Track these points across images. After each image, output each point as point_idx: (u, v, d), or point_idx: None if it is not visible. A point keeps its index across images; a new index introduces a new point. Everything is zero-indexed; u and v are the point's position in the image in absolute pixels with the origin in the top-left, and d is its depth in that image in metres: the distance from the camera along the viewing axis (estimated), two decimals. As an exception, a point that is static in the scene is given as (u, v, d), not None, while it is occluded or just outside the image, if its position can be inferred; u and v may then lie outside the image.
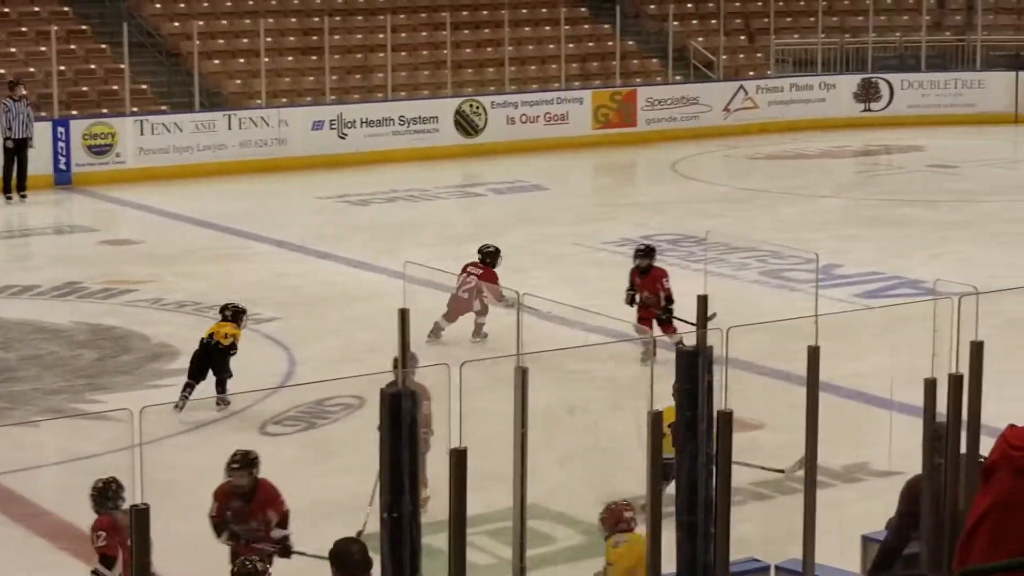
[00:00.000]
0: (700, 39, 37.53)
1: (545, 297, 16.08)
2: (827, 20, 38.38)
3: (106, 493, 10.27)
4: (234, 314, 16.29)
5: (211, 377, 15.57)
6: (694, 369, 8.91)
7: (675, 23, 36.85)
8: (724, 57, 37.13)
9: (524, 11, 37.30)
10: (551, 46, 36.13)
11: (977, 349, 8.74)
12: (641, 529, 9.20)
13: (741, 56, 38.19)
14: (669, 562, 8.83)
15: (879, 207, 27.53)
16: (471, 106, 33.58)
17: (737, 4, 38.88)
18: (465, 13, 36.68)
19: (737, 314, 15.14)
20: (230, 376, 15.67)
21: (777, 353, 14.01)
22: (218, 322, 16.28)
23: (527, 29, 36.92)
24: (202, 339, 15.92)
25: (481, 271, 18.26)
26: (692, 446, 8.79)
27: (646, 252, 17.87)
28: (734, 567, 8.80)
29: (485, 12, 36.90)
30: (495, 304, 17.90)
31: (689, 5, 38.88)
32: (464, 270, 18.24)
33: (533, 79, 35.69)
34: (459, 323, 17.82)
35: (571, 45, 36.21)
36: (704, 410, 8.85)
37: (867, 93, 37.16)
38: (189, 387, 15.49)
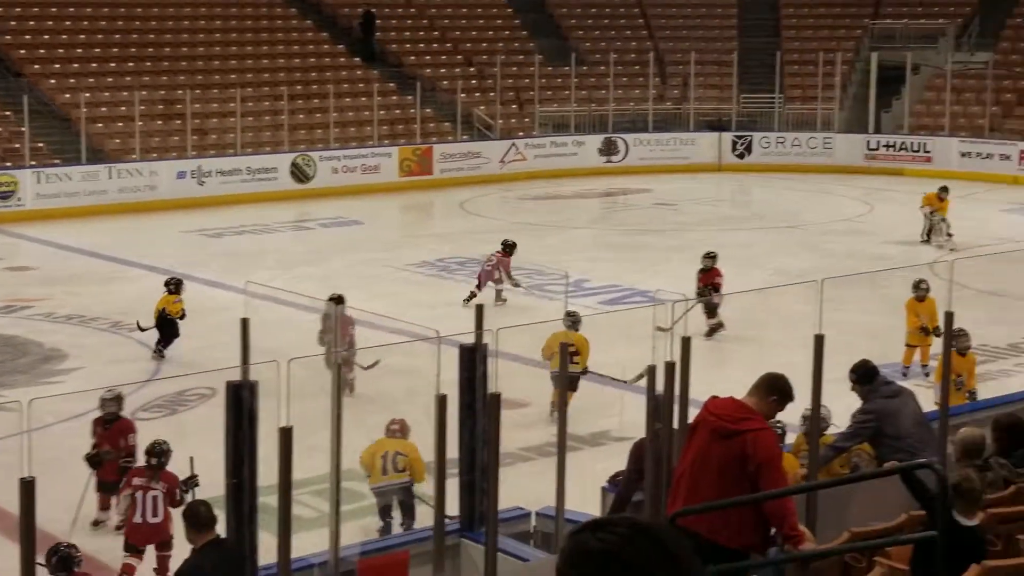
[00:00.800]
0: (482, 107, 37.64)
1: (360, 308, 16.00)
2: (578, 93, 38.71)
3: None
4: (176, 285, 17.33)
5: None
6: (472, 362, 8.90)
7: (462, 95, 36.89)
8: (500, 121, 37.28)
9: (345, 86, 37.07)
10: (366, 113, 35.97)
11: (686, 343, 8.85)
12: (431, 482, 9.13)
13: (513, 120, 38.36)
14: (453, 510, 8.81)
15: (618, 235, 27.84)
16: (303, 159, 33.26)
17: (510, 81, 39.05)
18: (300, 87, 36.36)
19: (512, 318, 15.24)
20: (177, 336, 16.90)
21: (539, 348, 14.11)
22: (164, 296, 17.14)
23: (348, 100, 36.70)
24: (159, 312, 16.99)
25: (500, 254, 20.55)
26: (471, 421, 8.78)
27: (709, 255, 19.25)
28: (503, 514, 8.80)
29: (315, 87, 36.61)
30: (506, 282, 20.27)
31: (473, 82, 38.99)
32: (490, 257, 20.54)
33: (352, 138, 35.47)
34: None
35: (382, 112, 36.08)
36: (481, 393, 8.85)
37: (608, 148, 37.57)
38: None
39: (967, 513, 6.93)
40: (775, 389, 7.57)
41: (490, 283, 20.31)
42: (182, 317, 17.11)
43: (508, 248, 20.84)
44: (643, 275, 22.25)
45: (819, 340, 9.21)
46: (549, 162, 36.61)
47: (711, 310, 17.80)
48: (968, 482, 7.17)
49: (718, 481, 7.17)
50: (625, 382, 13.39)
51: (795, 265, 22.72)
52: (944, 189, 26.42)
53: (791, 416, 9.47)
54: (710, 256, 19.28)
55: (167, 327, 17.16)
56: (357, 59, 38.53)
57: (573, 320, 14.86)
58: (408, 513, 11.45)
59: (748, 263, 23.30)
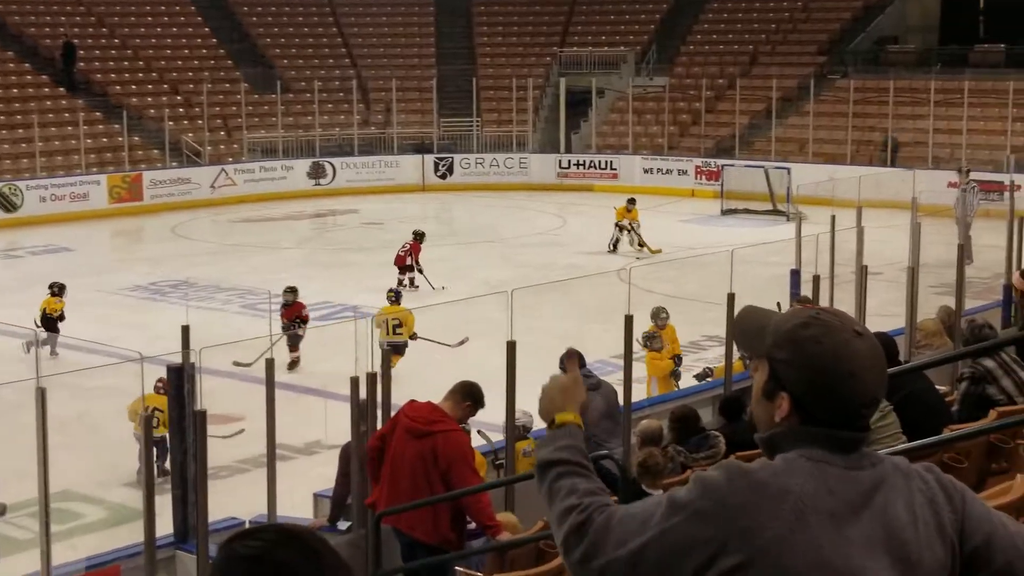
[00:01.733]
0: (190, 135, 36.92)
1: (73, 336, 15.48)
2: (285, 119, 38.45)
3: None
4: (60, 289, 18.75)
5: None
6: (180, 380, 8.81)
7: (170, 123, 36.12)
8: (209, 148, 36.67)
9: (51, 115, 35.79)
10: (73, 141, 34.82)
11: (387, 354, 8.98)
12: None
13: (222, 146, 37.79)
14: (165, 527, 8.68)
15: (328, 254, 27.78)
16: (10, 188, 31.94)
17: (218, 108, 38.48)
18: (3, 117, 34.93)
19: (222, 337, 15.04)
20: (58, 333, 17.97)
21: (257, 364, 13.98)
22: (46, 299, 18.59)
23: (54, 129, 35.43)
24: (41, 312, 18.32)
25: (412, 243, 23.19)
26: (180, 438, 8.68)
27: (290, 289, 18.93)
28: (216, 525, 8.72)
29: (19, 117, 35.19)
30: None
31: (181, 109, 38.23)
32: (404, 244, 23.19)
33: (60, 167, 34.27)
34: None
35: (89, 140, 34.98)
36: (190, 410, 8.75)
37: (316, 172, 37.44)
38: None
39: (653, 486, 7.36)
40: (468, 395, 7.82)
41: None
42: (61, 317, 18.53)
43: (418, 236, 23.37)
44: (353, 291, 22.29)
45: (511, 346, 9.49)
46: (259, 186, 36.20)
47: (294, 343, 17.39)
48: (652, 458, 7.61)
49: (412, 478, 7.34)
50: (451, 346, 15.63)
51: (497, 276, 23.18)
52: (631, 200, 27.61)
53: (494, 417, 9.71)
54: (291, 290, 18.82)
55: (50, 325, 18.43)
56: (61, 89, 37.23)
57: (396, 295, 18.12)
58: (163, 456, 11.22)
59: (454, 275, 23.64)
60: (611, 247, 26.92)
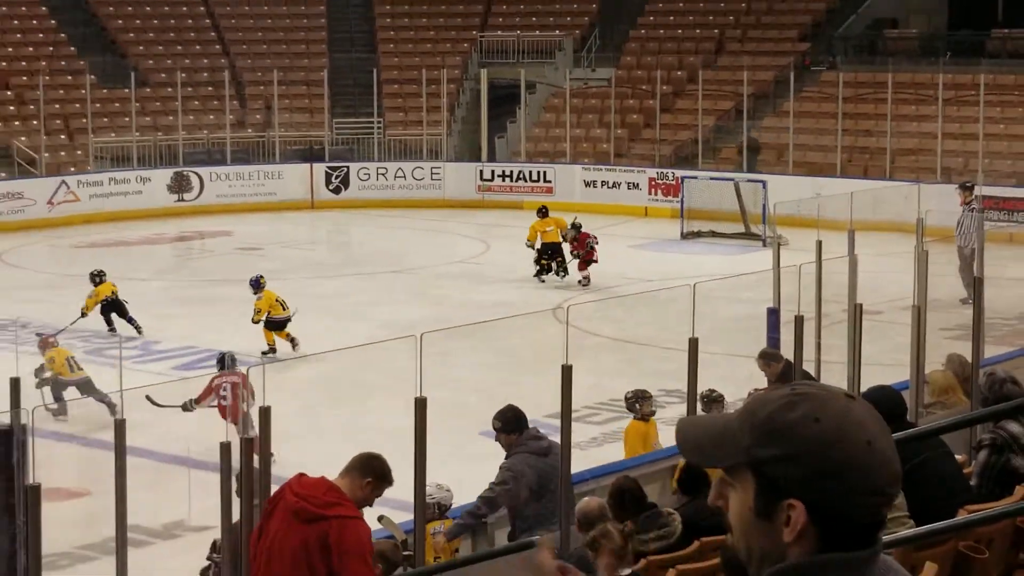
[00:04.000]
0: (23, 138, 36.62)
1: None
2: (140, 120, 38.23)
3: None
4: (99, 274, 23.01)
5: None
6: (8, 447, 8.67)
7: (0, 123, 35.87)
8: (46, 155, 36.37)
9: None
10: None
11: (266, 413, 8.89)
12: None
13: (63, 153, 37.52)
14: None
15: (194, 288, 27.63)
16: None
17: (57, 106, 38.19)
18: None
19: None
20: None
21: (97, 425, 13.83)
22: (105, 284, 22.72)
23: None
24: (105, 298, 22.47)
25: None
26: (6, 520, 8.53)
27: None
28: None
29: None
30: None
31: (12, 108, 37.96)
32: None
33: None
34: None
35: None
36: (19, 483, 8.62)
37: (180, 185, 37.24)
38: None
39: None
40: (370, 470, 7.73)
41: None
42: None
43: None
44: (223, 333, 22.10)
45: (421, 404, 9.43)
46: (109, 202, 35.93)
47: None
48: (607, 537, 7.62)
49: (292, 572, 7.25)
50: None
51: (405, 315, 23.12)
52: (543, 210, 27.84)
53: (400, 493, 9.67)
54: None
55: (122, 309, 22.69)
56: None
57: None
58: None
59: (350, 315, 23.56)
60: (540, 277, 26.97)
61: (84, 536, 13.02)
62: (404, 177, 38.63)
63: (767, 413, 2.41)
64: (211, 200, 37.19)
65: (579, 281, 26.14)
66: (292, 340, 21.08)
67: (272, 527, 7.49)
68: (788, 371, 12.70)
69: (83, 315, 22.30)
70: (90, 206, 35.59)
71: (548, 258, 26.99)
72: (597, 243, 26.49)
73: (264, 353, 20.68)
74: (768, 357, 13.41)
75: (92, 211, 35.42)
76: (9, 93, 38.54)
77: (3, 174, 35.61)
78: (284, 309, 21.36)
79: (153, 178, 37.05)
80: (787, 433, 2.38)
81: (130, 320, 22.65)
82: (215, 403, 16.25)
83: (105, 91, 39.28)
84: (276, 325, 21.26)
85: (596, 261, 26.28)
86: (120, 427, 9.07)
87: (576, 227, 26.62)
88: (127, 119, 38.10)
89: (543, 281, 26.80)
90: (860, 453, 2.37)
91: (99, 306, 22.68)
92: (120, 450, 8.99)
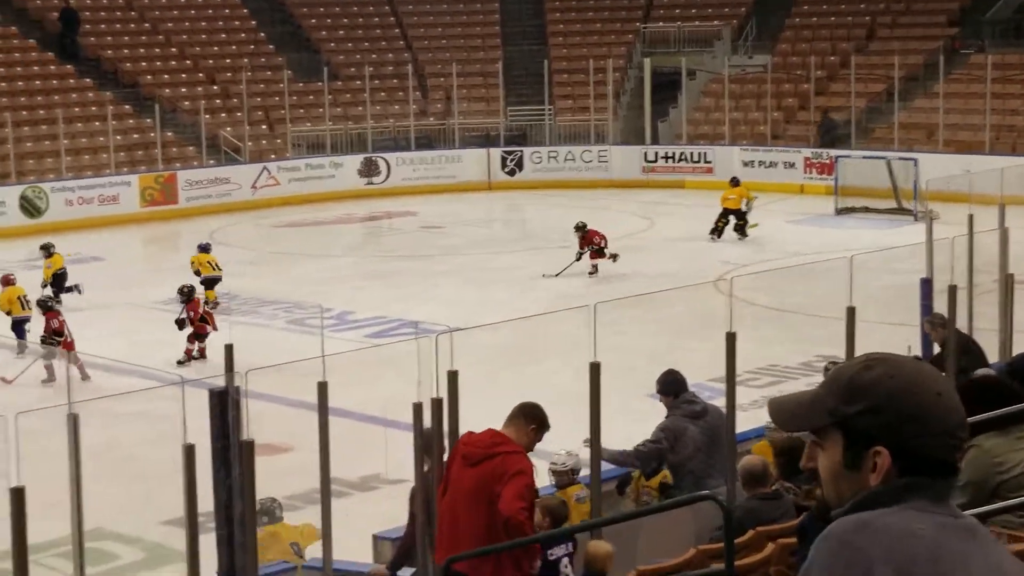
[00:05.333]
0: (228, 129, 37.35)
1: (97, 355, 15.69)
2: (332, 111, 38.75)
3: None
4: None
5: None
6: (223, 407, 8.89)
7: (206, 116, 36.52)
8: (250, 143, 37.06)
9: (77, 110, 36.39)
10: (101, 138, 35.37)
11: (453, 377, 8.99)
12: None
13: (264, 142, 38.18)
14: (210, 570, 8.76)
15: (382, 263, 27.96)
16: (34, 191, 32.53)
17: (258, 99, 38.88)
18: (25, 113, 35.59)
19: (268, 358, 15.20)
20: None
21: (299, 387, 14.06)
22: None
23: (79, 125, 36.02)
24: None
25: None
26: (224, 472, 8.76)
27: None
28: (266, 569, 8.80)
29: (42, 112, 35.84)
30: None
31: (218, 101, 38.70)
32: None
33: (87, 166, 34.84)
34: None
35: (118, 137, 35.51)
36: (234, 440, 8.84)
37: (369, 169, 37.70)
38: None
39: None
40: (533, 417, 7.84)
41: None
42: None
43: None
44: (410, 304, 22.38)
45: (595, 368, 9.46)
46: (305, 186, 36.52)
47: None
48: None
49: (474, 510, 7.38)
50: None
51: (576, 288, 23.20)
52: (734, 180, 29.10)
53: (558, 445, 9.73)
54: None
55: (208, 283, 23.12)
56: (88, 80, 37.80)
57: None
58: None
59: (524, 287, 23.68)
60: (715, 234, 28.13)
61: (291, 487, 13.26)
62: (573, 160, 38.65)
63: (848, 376, 2.59)
64: (397, 183, 37.60)
65: (588, 272, 24.99)
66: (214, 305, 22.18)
67: (452, 476, 7.70)
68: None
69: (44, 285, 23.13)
70: (289, 189, 36.21)
71: (724, 221, 28.45)
72: (606, 244, 25.11)
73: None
74: (937, 322, 13.14)
75: (290, 194, 36.02)
76: (215, 88, 39.33)
77: (212, 161, 36.37)
78: (215, 269, 23.46)
79: (345, 163, 37.55)
80: (869, 389, 2.56)
81: (68, 289, 23.33)
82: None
83: (301, 85, 39.88)
84: (208, 283, 23.11)
85: (605, 256, 24.99)
86: (323, 389, 9.24)
87: (581, 228, 25.47)
88: (321, 110, 38.68)
89: (715, 240, 28.04)
90: (932, 401, 2.54)
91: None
92: (323, 409, 9.17)
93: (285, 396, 14.70)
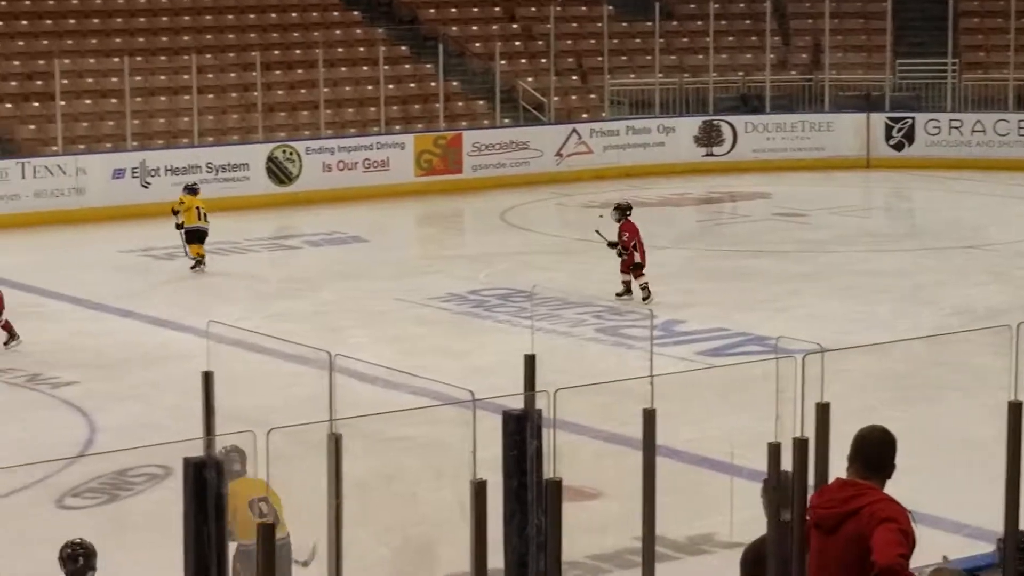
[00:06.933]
0: (529, 79, 37.81)
1: (363, 359, 16.05)
2: (665, 59, 38.85)
3: None
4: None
5: None
6: (521, 434, 8.97)
7: (502, 62, 37.09)
8: (555, 99, 37.43)
9: (340, 50, 37.32)
10: (369, 87, 36.18)
11: (823, 411, 8.88)
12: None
13: (574, 97, 38.55)
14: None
15: (723, 258, 27.83)
16: (284, 152, 33.54)
17: (569, 43, 39.27)
18: (277, 52, 36.66)
19: (571, 374, 15.32)
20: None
21: (613, 416, 14.11)
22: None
23: (344, 69, 36.96)
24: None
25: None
26: (520, 517, 8.83)
27: None
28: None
29: (298, 51, 36.86)
30: None
31: (517, 43, 39.20)
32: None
33: (351, 123, 35.73)
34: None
35: (391, 86, 36.27)
36: (533, 478, 8.91)
37: (709, 136, 37.66)
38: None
39: None
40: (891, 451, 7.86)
41: None
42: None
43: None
44: (759, 314, 22.24)
45: (1015, 409, 9.24)
46: (625, 155, 36.74)
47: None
48: None
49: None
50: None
51: (981, 302, 22.75)
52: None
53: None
54: None
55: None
56: (356, 13, 38.75)
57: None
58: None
59: (913, 299, 23.30)
60: None
61: (597, 544, 13.34)
62: (983, 132, 37.79)
63: None
64: (745, 155, 37.51)
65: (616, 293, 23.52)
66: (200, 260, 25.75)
67: (811, 548, 7.69)
68: None
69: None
70: (603, 159, 36.47)
71: None
72: (638, 248, 23.40)
73: (193, 267, 25.66)
74: None
75: (605, 165, 36.28)
76: (515, 27, 39.81)
77: (507, 120, 36.85)
78: (201, 220, 25.76)
79: (678, 128, 37.64)
80: None
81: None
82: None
83: (624, 25, 40.13)
84: (194, 236, 25.71)
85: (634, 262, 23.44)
86: (650, 418, 9.24)
87: (623, 209, 24.27)
88: (649, 58, 38.83)
89: None
90: None
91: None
92: (649, 444, 9.16)
93: (591, 425, 14.79)
